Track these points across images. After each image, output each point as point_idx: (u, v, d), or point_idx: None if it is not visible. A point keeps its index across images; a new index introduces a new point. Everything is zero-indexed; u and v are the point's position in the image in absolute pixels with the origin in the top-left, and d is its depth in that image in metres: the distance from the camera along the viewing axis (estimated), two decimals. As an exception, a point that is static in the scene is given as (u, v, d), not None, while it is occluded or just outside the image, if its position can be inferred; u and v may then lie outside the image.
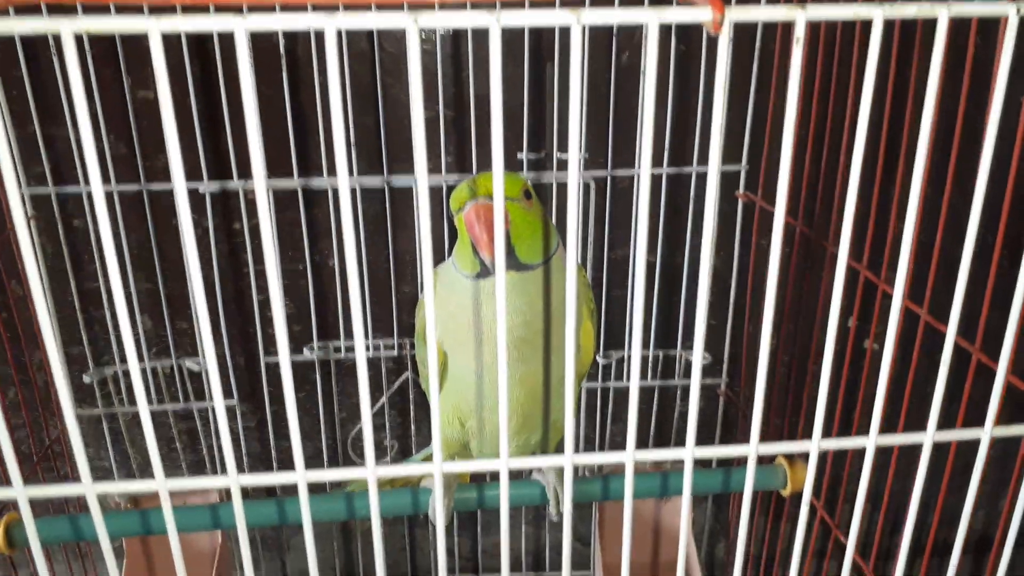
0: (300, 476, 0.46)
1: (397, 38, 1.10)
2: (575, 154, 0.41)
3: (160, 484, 0.45)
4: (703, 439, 1.37)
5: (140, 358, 1.21)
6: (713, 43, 1.09)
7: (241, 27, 0.37)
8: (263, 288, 1.19)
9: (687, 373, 1.30)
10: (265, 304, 1.21)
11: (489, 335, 0.76)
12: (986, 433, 0.51)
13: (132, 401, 1.25)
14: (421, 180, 0.41)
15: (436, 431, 0.45)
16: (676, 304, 1.25)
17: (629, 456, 0.47)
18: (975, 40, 0.73)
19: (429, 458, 1.04)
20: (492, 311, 0.74)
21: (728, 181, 1.18)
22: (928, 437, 0.48)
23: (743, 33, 1.10)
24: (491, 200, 0.71)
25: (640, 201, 0.41)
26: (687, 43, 1.11)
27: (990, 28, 0.91)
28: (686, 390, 1.33)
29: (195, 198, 1.12)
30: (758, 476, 0.90)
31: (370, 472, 0.47)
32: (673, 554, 1.31)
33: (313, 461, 1.32)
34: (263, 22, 0.37)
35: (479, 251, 0.72)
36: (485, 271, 0.74)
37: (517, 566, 1.48)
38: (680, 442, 1.35)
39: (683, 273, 1.24)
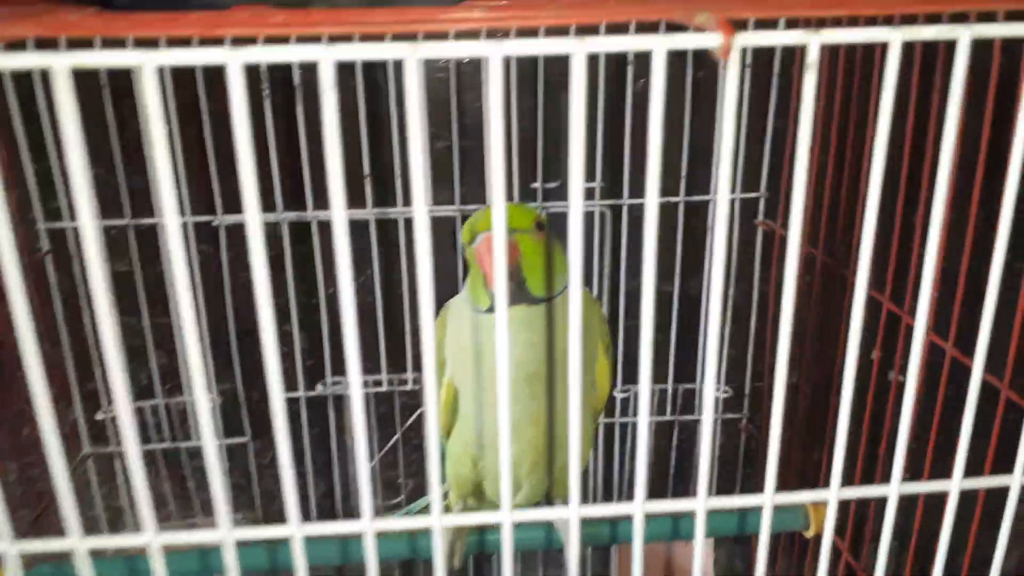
0: (295, 530, 0.45)
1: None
2: (577, 181, 0.40)
3: (151, 538, 0.44)
4: (724, 475, 1.33)
5: (152, 394, 1.20)
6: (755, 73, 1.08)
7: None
8: (304, 321, 1.19)
9: (724, 408, 1.27)
10: (283, 338, 1.20)
11: (494, 369, 0.74)
12: (1015, 480, 0.48)
13: (145, 440, 1.24)
14: (420, 213, 0.40)
15: (433, 478, 0.43)
16: (695, 336, 1.23)
17: (638, 508, 0.45)
18: (999, 60, 0.71)
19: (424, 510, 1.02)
20: (511, 346, 0.72)
21: (747, 209, 1.16)
22: (955, 485, 0.45)
23: (761, 57, 1.08)
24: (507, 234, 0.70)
25: (647, 229, 0.39)
26: (705, 69, 1.10)
27: (1015, 47, 0.89)
28: (725, 424, 1.30)
29: (208, 230, 1.12)
30: (779, 518, 0.87)
31: (367, 526, 0.45)
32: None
33: (325, 499, 1.30)
34: (257, 54, 0.37)
35: (488, 284, 0.71)
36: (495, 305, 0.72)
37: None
38: (723, 478, 1.31)
39: (701, 304, 1.22)
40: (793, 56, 1.08)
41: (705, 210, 1.16)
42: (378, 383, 1.22)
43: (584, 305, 0.77)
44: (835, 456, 0.47)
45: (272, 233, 1.12)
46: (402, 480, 1.32)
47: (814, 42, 0.39)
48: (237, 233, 1.15)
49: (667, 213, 1.16)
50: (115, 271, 1.16)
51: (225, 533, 0.43)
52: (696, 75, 1.09)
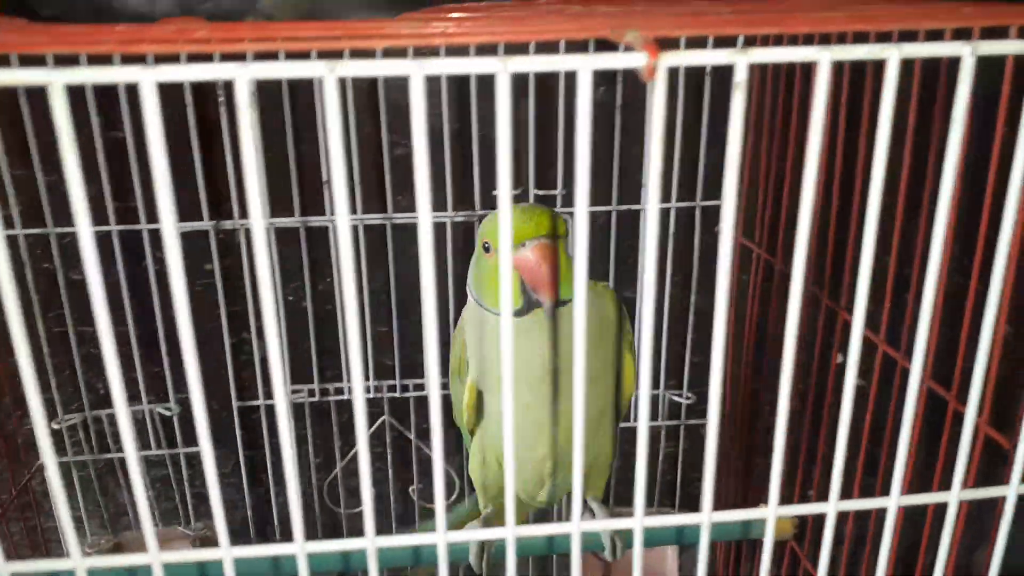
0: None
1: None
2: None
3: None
4: (689, 481, 1.33)
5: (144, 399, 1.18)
6: (720, 81, 1.07)
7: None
8: (239, 330, 1.17)
9: (689, 414, 1.28)
10: (242, 347, 1.19)
11: (527, 372, 0.75)
12: (953, 496, 0.48)
13: (103, 448, 1.22)
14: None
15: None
16: (657, 344, 1.23)
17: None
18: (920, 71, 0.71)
19: (464, 516, 1.02)
20: (532, 347, 0.74)
21: (709, 217, 1.17)
22: (892, 502, 0.46)
23: (721, 70, 1.08)
24: (549, 240, 0.71)
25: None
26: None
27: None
28: (688, 429, 1.30)
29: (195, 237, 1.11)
30: (741, 526, 0.88)
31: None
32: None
33: (308, 511, 1.29)
34: (170, 73, 0.36)
35: (536, 291, 0.71)
36: (526, 308, 0.73)
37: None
38: (686, 484, 1.31)
39: (665, 312, 1.22)
40: (754, 69, 1.08)
41: (667, 218, 1.16)
42: (340, 391, 1.21)
43: (609, 303, 0.79)
44: (772, 473, 0.47)
45: (199, 245, 1.11)
46: (415, 487, 1.31)
47: (741, 62, 0.39)
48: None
49: (628, 222, 1.16)
50: (72, 279, 1.14)
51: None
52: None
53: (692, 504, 1.34)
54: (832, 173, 0.89)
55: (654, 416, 1.27)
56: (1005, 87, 0.63)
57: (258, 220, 0.38)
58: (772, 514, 0.47)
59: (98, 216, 1.07)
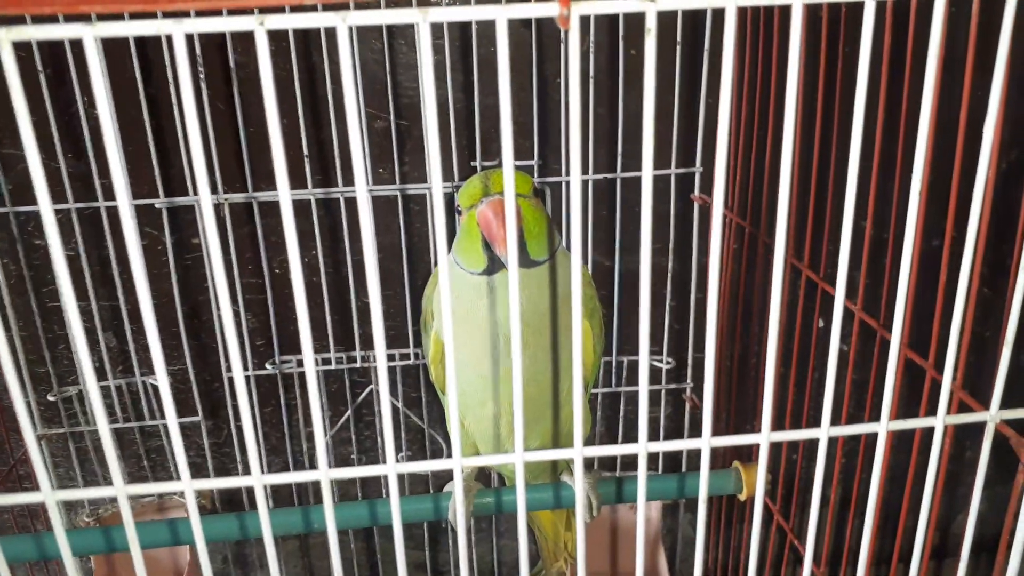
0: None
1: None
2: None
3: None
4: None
5: (107, 376, 1.22)
6: (665, 39, 1.09)
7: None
8: (251, 302, 1.20)
9: (668, 379, 1.30)
10: (254, 317, 1.22)
11: (493, 331, 0.77)
12: (882, 427, 0.51)
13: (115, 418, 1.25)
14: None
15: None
16: (637, 309, 1.25)
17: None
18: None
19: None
20: (492, 307, 0.76)
21: (683, 184, 1.19)
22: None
23: (693, 31, 1.10)
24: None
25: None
26: (639, 45, 1.11)
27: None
28: (669, 394, 1.32)
29: (151, 214, 1.13)
30: (713, 481, 0.90)
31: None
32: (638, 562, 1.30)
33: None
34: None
35: (495, 247, 0.73)
36: (492, 267, 0.75)
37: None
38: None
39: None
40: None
41: (637, 185, 1.18)
42: (327, 361, 1.24)
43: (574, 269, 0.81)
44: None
45: (215, 214, 1.13)
46: (355, 456, 1.34)
47: (651, 9, 0.41)
48: (179, 216, 1.16)
49: (605, 189, 1.18)
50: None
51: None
52: (629, 52, 1.11)
53: (676, 464, 1.37)
54: (809, 135, 0.91)
55: (635, 382, 1.30)
56: (972, 36, 0.64)
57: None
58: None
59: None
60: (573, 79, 0.41)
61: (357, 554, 1.44)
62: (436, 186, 0.42)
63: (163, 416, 1.26)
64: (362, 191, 0.42)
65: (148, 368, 1.25)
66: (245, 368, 1.24)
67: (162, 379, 0.45)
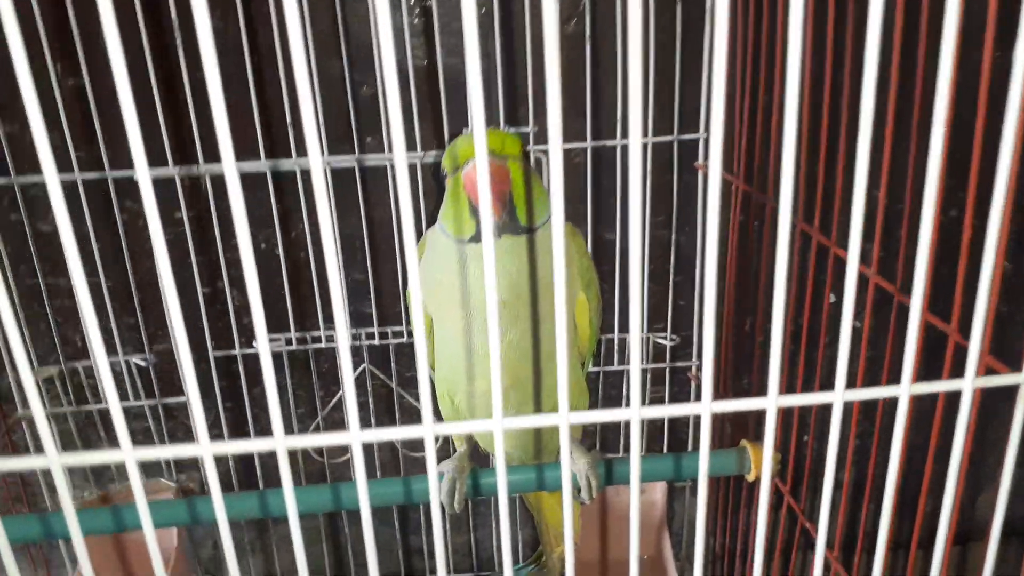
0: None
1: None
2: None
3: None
4: (675, 426, 1.31)
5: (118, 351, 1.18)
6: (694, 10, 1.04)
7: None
8: (236, 278, 1.15)
9: (674, 357, 1.25)
10: (213, 297, 1.17)
11: (477, 299, 0.72)
12: (904, 391, 0.45)
13: (80, 401, 1.22)
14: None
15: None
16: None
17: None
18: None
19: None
20: (481, 274, 0.70)
21: (687, 151, 1.13)
22: (904, 390, 0.43)
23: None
24: (496, 158, 0.68)
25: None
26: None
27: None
28: (674, 372, 1.28)
29: (161, 187, 1.09)
30: (720, 461, 0.85)
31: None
32: (645, 542, 1.26)
33: (292, 459, 1.28)
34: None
35: (480, 209, 0.68)
36: (479, 234, 0.70)
37: (517, 560, 1.43)
38: (674, 430, 1.29)
39: (646, 252, 1.19)
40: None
41: (644, 154, 1.12)
42: (316, 339, 1.20)
43: (568, 239, 0.76)
44: (771, 365, 0.43)
45: (168, 191, 1.09)
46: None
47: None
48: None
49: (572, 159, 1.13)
50: (43, 231, 1.14)
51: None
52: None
53: (680, 448, 1.32)
54: (818, 98, 0.85)
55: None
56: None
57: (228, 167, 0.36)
58: (773, 404, 0.44)
59: (62, 164, 1.06)
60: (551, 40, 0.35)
61: (381, 539, 1.41)
62: (399, 150, 0.37)
63: (149, 396, 1.22)
64: (315, 164, 0.37)
65: (133, 348, 1.21)
66: (233, 348, 1.20)
67: (183, 349, 0.40)
